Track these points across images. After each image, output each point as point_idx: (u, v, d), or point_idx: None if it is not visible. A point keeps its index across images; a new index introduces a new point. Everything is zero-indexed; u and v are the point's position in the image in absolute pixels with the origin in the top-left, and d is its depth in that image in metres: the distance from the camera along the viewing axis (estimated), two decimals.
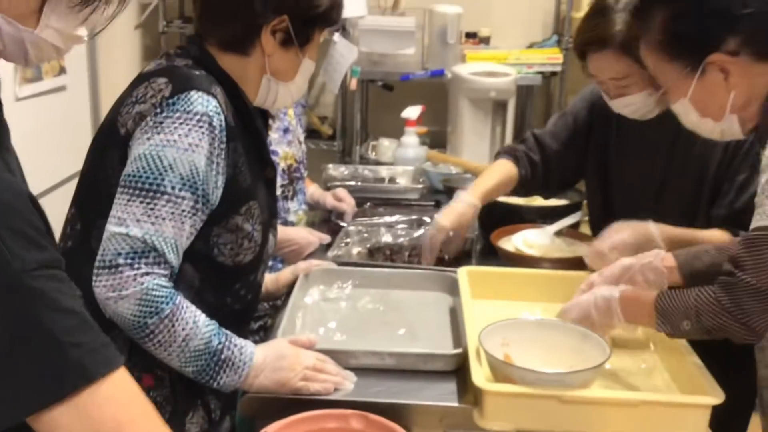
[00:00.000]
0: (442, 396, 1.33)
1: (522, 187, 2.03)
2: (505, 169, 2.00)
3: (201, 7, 1.45)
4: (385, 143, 3.15)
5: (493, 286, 1.69)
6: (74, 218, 1.40)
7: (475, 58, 3.15)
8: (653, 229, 1.63)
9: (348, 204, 2.35)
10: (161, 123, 1.30)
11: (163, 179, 1.27)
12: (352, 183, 2.58)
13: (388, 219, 2.29)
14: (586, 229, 2.14)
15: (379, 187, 2.63)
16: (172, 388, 1.35)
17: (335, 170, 2.77)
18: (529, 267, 1.82)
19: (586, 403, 1.22)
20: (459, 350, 1.38)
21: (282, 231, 2.01)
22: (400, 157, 2.91)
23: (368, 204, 2.46)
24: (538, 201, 2.26)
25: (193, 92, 1.32)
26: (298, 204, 2.28)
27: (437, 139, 3.14)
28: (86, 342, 0.80)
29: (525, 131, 3.46)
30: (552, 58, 3.20)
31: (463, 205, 1.94)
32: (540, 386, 1.22)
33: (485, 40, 3.40)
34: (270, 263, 2.10)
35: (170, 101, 1.31)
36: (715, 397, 1.21)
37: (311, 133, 3.53)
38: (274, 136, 2.19)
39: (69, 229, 1.40)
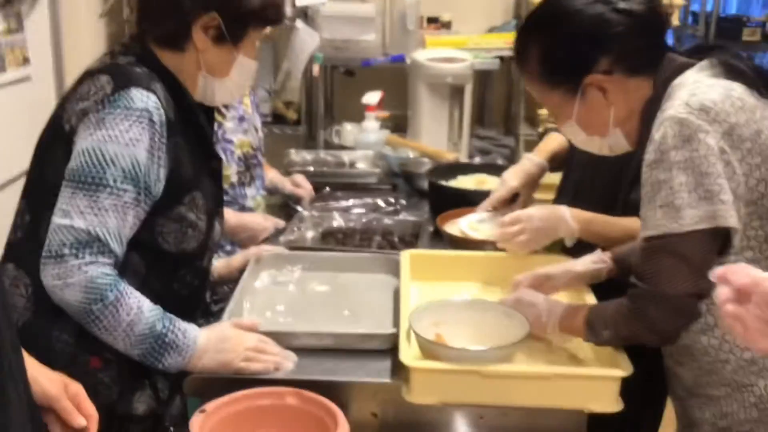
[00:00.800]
0: (377, 373, 1.42)
1: None
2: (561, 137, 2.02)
3: (138, 5, 1.51)
4: (348, 128, 3.22)
5: (434, 269, 1.77)
6: (23, 210, 1.46)
7: (435, 43, 3.22)
8: (565, 211, 1.71)
9: (305, 189, 2.42)
10: (103, 119, 1.37)
11: (105, 173, 1.34)
12: (311, 169, 2.64)
13: (343, 204, 2.37)
14: None
15: (337, 171, 2.69)
16: (119, 369, 1.43)
17: (296, 155, 2.84)
18: (472, 250, 1.90)
19: (504, 377, 1.31)
20: (393, 330, 1.47)
21: (237, 217, 2.08)
22: (361, 141, 2.98)
23: (326, 189, 2.53)
24: (487, 185, 2.33)
25: (133, 89, 1.38)
26: (255, 190, 2.35)
27: (399, 124, 3.21)
28: None
29: (485, 115, 3.56)
30: (510, 42, 3.24)
31: (531, 164, 2.01)
32: (462, 362, 1.31)
33: (447, 25, 3.47)
34: (228, 248, 2.19)
35: (112, 98, 1.38)
36: (624, 369, 1.30)
37: (277, 119, 3.60)
38: (228, 124, 2.26)
39: (19, 220, 1.47)
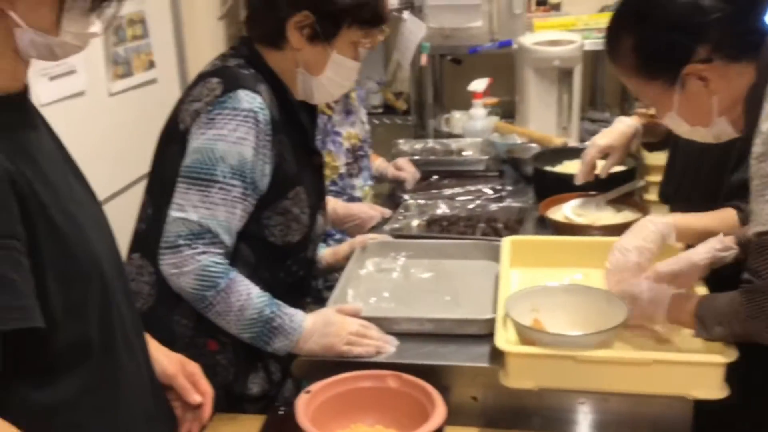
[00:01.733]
0: (475, 358, 1.45)
1: None
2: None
3: (247, 8, 1.60)
4: (457, 116, 3.24)
5: (536, 255, 1.77)
6: (147, 204, 1.59)
7: (543, 26, 3.18)
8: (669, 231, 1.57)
9: (408, 172, 2.47)
10: (213, 119, 1.47)
11: (215, 169, 1.44)
12: (417, 157, 2.69)
13: (449, 191, 2.40)
14: (654, 193, 2.15)
15: (444, 159, 2.72)
16: (235, 352, 1.53)
17: (405, 145, 2.88)
18: (576, 235, 1.89)
19: (600, 363, 1.30)
20: (491, 315, 1.49)
21: (345, 207, 2.16)
22: (469, 129, 2.99)
23: (434, 177, 2.57)
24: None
25: (240, 91, 1.47)
26: (363, 180, 2.42)
27: (508, 110, 3.19)
28: None
29: (597, 97, 3.48)
30: None
31: (623, 126, 2.03)
32: (558, 347, 1.32)
33: (556, 7, 3.41)
34: (337, 236, 2.27)
35: (221, 100, 1.47)
36: (728, 356, 1.27)
37: (387, 109, 3.66)
38: (336, 117, 2.34)
39: (143, 213, 1.59)
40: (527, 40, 2.97)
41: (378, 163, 2.53)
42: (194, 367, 1.25)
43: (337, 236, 2.27)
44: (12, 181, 0.89)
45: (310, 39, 1.55)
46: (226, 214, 1.45)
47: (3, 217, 0.88)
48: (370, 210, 2.16)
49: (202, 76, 1.56)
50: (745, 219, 1.66)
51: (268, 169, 1.51)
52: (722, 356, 1.27)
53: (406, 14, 3.29)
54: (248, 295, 1.45)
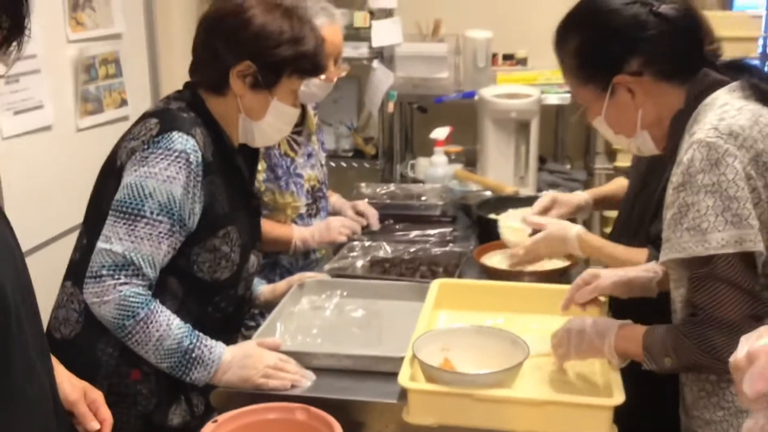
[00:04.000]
0: (386, 394, 1.50)
1: None
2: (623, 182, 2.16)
3: (192, 55, 1.69)
4: (422, 162, 3.32)
5: (464, 298, 1.83)
6: (82, 234, 1.66)
7: (506, 80, 3.28)
8: (572, 230, 1.83)
9: (370, 216, 2.52)
10: (146, 158, 1.54)
11: (143, 205, 1.52)
12: (375, 201, 2.75)
13: (400, 235, 2.47)
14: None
15: (400, 203, 2.78)
16: (157, 382, 1.59)
17: (367, 188, 2.95)
18: (506, 280, 1.95)
19: (496, 402, 1.36)
20: (403, 354, 1.55)
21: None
22: (430, 175, 3.06)
23: (389, 220, 2.63)
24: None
25: (175, 133, 1.56)
26: (321, 220, 2.49)
27: (470, 158, 3.27)
28: None
29: (558, 150, 3.57)
30: None
31: (576, 196, 2.18)
32: (459, 386, 1.37)
33: (522, 61, 3.52)
34: (291, 267, 2.33)
35: (156, 139, 1.55)
36: (616, 399, 1.32)
37: (356, 153, 3.75)
38: (299, 160, 2.42)
39: (78, 243, 1.66)
40: (488, 92, 3.08)
41: (334, 199, 2.60)
42: (97, 395, 1.30)
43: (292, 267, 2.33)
44: None
45: (252, 87, 1.63)
46: (151, 249, 1.52)
47: None
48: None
49: (144, 116, 1.65)
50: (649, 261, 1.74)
51: (197, 208, 1.58)
52: (611, 399, 1.33)
53: (375, 63, 3.40)
54: (168, 325, 1.51)
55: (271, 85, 1.64)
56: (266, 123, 1.68)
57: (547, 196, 2.16)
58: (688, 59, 1.38)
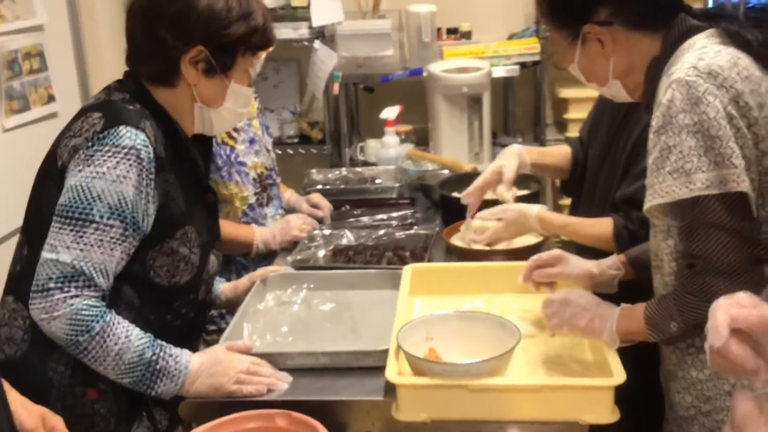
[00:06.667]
0: (370, 392, 1.40)
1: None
2: (564, 150, 2.07)
3: (128, 45, 1.54)
4: (371, 144, 3.22)
5: (437, 282, 1.75)
6: (22, 244, 1.51)
7: (453, 54, 3.20)
8: (532, 212, 1.80)
9: (324, 208, 2.43)
10: (92, 156, 1.40)
11: (91, 209, 1.37)
12: (328, 187, 2.65)
13: (360, 220, 2.37)
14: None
15: (355, 188, 2.68)
16: (116, 399, 1.45)
17: (318, 174, 2.84)
18: (480, 260, 1.87)
19: (492, 391, 1.27)
20: (385, 347, 1.45)
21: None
22: (382, 157, 2.97)
23: (345, 206, 2.53)
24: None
25: (122, 127, 1.41)
26: (274, 209, 2.37)
27: (422, 137, 3.19)
28: None
29: (509, 123, 3.52)
30: (529, 48, 3.22)
31: (511, 151, 2.01)
32: (451, 377, 1.29)
33: (466, 35, 3.44)
34: (246, 262, 2.21)
35: (101, 135, 1.41)
36: (616, 378, 1.25)
37: (302, 139, 3.62)
38: (240, 147, 2.29)
39: (18, 253, 1.51)
40: (436, 67, 2.99)
41: (288, 195, 2.48)
42: (56, 421, 1.18)
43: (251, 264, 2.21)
44: None
45: (206, 72, 1.50)
46: (103, 256, 1.38)
47: None
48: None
49: (84, 110, 1.50)
50: (618, 233, 1.70)
51: (151, 208, 1.44)
52: (611, 378, 1.26)
53: (317, 43, 3.27)
54: (127, 337, 1.37)
55: (227, 68, 1.51)
56: (226, 109, 1.56)
57: (487, 172, 2.00)
58: (664, 7, 1.34)
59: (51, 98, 2.76)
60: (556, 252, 1.59)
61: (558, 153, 2.08)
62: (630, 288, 1.53)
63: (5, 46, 2.50)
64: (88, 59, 3.03)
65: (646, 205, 1.28)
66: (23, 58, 2.59)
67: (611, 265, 1.57)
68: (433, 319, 1.47)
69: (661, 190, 1.24)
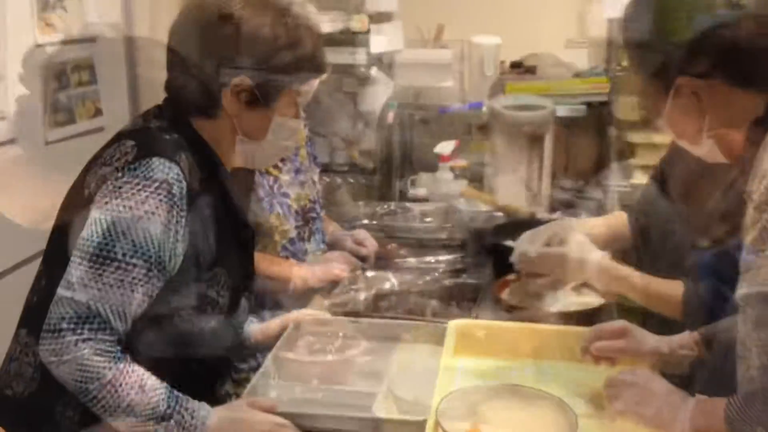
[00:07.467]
0: None
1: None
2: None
3: (168, 72, 1.44)
4: (423, 178, 3.10)
5: (485, 342, 1.60)
6: (41, 274, 1.41)
7: (516, 89, 3.05)
8: (592, 258, 1.66)
9: (369, 247, 2.30)
10: (120, 188, 1.29)
11: (114, 246, 1.26)
12: (375, 222, 2.53)
13: (405, 262, 2.24)
14: None
15: (403, 226, 2.57)
16: None
17: (366, 207, 2.74)
18: (532, 321, 1.71)
19: None
20: (422, 417, 1.31)
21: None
22: (435, 193, 2.86)
23: (391, 244, 2.40)
24: None
25: (155, 159, 1.31)
26: (315, 245, 2.24)
27: (477, 173, 3.05)
28: None
29: (571, 165, 3.34)
30: (596, 87, 3.06)
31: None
32: None
33: (531, 70, 3.30)
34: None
35: (132, 166, 1.31)
36: None
37: (352, 168, 3.51)
38: (285, 178, 2.17)
39: (36, 284, 1.41)
40: (498, 103, 2.85)
41: (333, 229, 2.36)
42: None
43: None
44: None
45: (248, 104, 1.40)
46: (122, 297, 1.26)
47: None
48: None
49: (119, 136, 1.40)
50: (687, 299, 1.54)
51: (180, 248, 1.33)
52: None
53: (374, 70, 3.17)
54: (141, 387, 1.25)
55: (271, 99, 1.40)
56: (269, 143, 1.45)
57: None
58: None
59: (98, 112, 2.70)
60: (621, 323, 1.43)
61: (610, 223, 1.93)
62: (656, 319, 1.42)
63: (55, 57, 2.45)
64: (140, 75, 2.98)
65: (740, 292, 1.11)
66: (72, 71, 2.53)
67: (684, 344, 1.39)
68: (478, 391, 1.32)
69: (761, 277, 1.07)
